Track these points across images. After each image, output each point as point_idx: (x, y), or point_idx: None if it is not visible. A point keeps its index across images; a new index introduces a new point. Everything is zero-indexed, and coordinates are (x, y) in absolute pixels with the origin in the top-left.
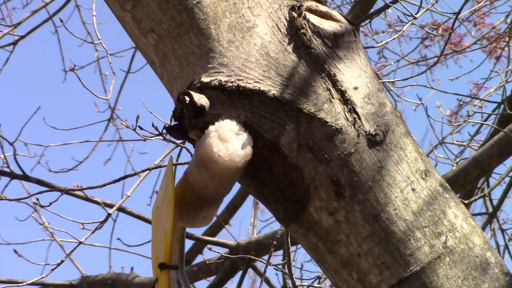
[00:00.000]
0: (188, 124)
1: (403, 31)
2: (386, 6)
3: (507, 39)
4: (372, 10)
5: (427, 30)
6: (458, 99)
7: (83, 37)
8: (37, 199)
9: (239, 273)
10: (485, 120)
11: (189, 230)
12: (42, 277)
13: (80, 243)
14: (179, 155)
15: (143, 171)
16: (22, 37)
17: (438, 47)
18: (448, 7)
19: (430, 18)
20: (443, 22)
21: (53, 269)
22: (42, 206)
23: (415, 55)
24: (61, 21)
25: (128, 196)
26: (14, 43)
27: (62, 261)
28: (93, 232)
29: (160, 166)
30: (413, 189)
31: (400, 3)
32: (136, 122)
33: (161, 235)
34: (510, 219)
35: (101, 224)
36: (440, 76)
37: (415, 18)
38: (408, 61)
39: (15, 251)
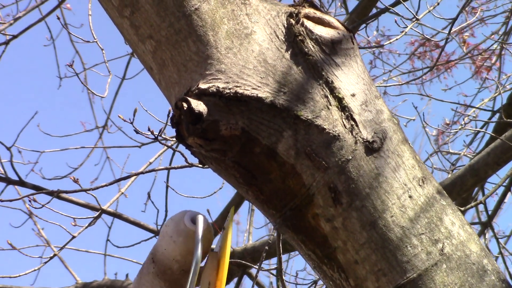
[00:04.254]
0: (186, 131)
1: (405, 32)
2: (386, 9)
3: (499, 49)
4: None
5: (425, 35)
6: (453, 108)
7: (76, 46)
8: (31, 200)
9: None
10: (482, 128)
11: None
12: (35, 270)
13: (73, 237)
14: (172, 158)
15: (136, 174)
16: (14, 37)
17: (431, 61)
18: (433, 22)
19: (420, 30)
20: (433, 35)
21: (45, 262)
22: (35, 204)
23: (406, 67)
24: (58, 18)
25: (122, 193)
26: (6, 43)
27: (55, 255)
28: (86, 228)
29: (153, 170)
30: (410, 196)
31: (403, 4)
32: (134, 116)
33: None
34: (502, 231)
35: (94, 219)
36: (432, 88)
37: (417, 19)
38: (400, 71)
39: (8, 242)
